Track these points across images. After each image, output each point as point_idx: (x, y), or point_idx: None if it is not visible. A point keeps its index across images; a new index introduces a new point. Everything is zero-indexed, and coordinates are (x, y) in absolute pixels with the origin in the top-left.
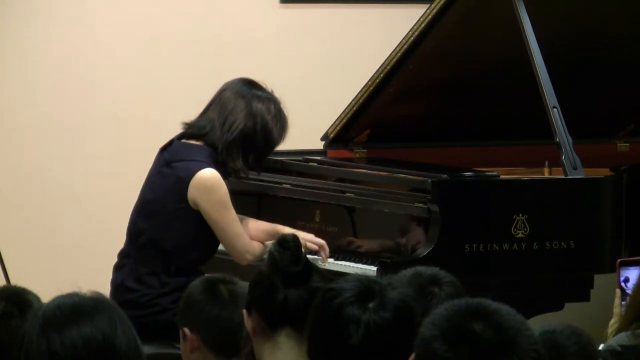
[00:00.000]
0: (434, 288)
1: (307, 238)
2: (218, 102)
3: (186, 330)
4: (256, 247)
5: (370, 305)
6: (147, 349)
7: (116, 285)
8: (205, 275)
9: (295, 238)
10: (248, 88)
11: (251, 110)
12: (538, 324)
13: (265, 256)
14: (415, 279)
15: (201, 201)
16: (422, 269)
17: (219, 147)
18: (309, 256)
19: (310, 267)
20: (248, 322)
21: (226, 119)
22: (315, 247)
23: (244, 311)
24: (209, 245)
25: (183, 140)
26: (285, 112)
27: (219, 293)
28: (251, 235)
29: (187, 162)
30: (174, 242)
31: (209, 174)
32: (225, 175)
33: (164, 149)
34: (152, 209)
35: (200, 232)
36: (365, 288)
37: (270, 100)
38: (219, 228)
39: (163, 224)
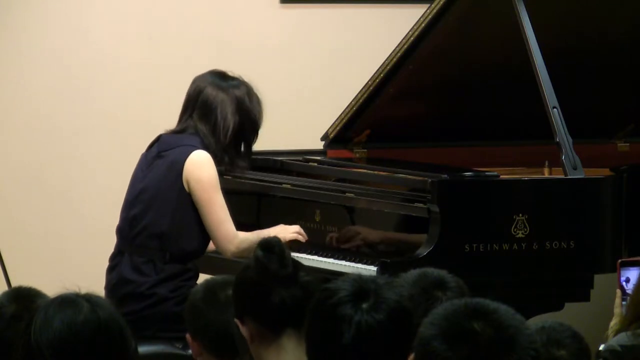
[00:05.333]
0: (438, 292)
1: (288, 235)
2: (201, 105)
3: (188, 336)
4: (243, 239)
5: (364, 305)
6: (147, 349)
7: (113, 284)
8: (207, 279)
9: (278, 241)
10: (223, 81)
11: (236, 104)
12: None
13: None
14: (421, 280)
15: (192, 179)
16: (430, 270)
17: (217, 154)
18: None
19: (297, 264)
20: (244, 330)
21: (216, 123)
22: (301, 238)
23: (236, 320)
24: (202, 234)
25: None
26: (257, 92)
27: (217, 298)
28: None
29: (180, 147)
30: (168, 226)
31: (201, 154)
32: (216, 163)
33: (150, 146)
34: (145, 197)
35: (196, 218)
36: (360, 288)
37: (244, 85)
38: (204, 210)
39: (157, 208)
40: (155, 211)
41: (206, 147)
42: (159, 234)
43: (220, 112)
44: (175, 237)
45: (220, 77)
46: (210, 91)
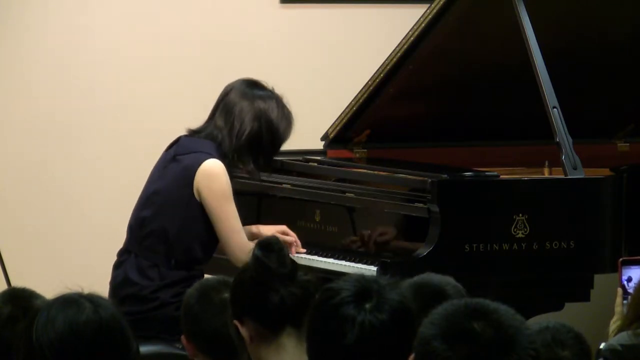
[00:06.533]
0: (437, 305)
1: (279, 231)
2: (223, 107)
3: (183, 338)
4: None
5: (367, 305)
6: (147, 349)
7: (117, 282)
8: (201, 281)
9: (277, 240)
10: (250, 89)
11: (255, 112)
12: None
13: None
14: (420, 290)
15: (204, 189)
16: (429, 280)
17: (229, 155)
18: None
19: (295, 263)
20: (243, 331)
21: (233, 124)
22: (291, 239)
23: (235, 322)
24: (209, 242)
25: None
26: (288, 107)
27: (211, 300)
28: None
29: (194, 154)
30: (176, 232)
31: (214, 163)
32: (230, 171)
33: (170, 147)
34: (157, 200)
35: (202, 225)
36: (362, 288)
37: (272, 98)
38: (216, 220)
39: (167, 212)
40: (164, 216)
41: (221, 151)
42: (166, 239)
43: (238, 115)
44: (182, 244)
45: (248, 85)
46: (233, 96)
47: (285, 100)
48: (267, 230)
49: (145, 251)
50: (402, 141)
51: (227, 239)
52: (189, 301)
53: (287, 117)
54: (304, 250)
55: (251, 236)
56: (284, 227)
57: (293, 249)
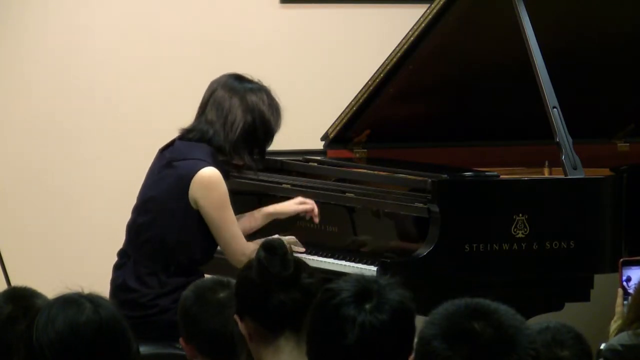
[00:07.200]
0: None
1: (294, 206)
2: (213, 102)
3: (182, 340)
4: (253, 249)
5: (367, 306)
6: (147, 349)
7: (117, 284)
8: (196, 282)
9: (281, 242)
10: (239, 82)
11: (247, 105)
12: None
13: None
14: None
15: (201, 199)
16: None
17: (225, 149)
18: (295, 255)
19: (299, 266)
20: (242, 328)
21: (226, 119)
22: (308, 208)
23: (236, 316)
24: (208, 246)
25: (184, 140)
26: (277, 99)
27: (207, 301)
28: (251, 227)
29: (189, 161)
30: (174, 240)
31: (210, 172)
32: (225, 175)
33: (164, 149)
34: (152, 207)
35: (200, 232)
36: (363, 288)
37: (262, 90)
38: (216, 228)
39: (164, 221)
40: (160, 225)
41: (215, 154)
42: (164, 247)
43: (229, 110)
44: (180, 251)
45: (235, 79)
46: (221, 92)
47: (274, 94)
48: (284, 206)
49: (144, 258)
50: (402, 141)
51: (227, 245)
52: (185, 303)
53: (276, 109)
54: (304, 250)
55: (268, 217)
56: (299, 198)
57: (315, 213)
